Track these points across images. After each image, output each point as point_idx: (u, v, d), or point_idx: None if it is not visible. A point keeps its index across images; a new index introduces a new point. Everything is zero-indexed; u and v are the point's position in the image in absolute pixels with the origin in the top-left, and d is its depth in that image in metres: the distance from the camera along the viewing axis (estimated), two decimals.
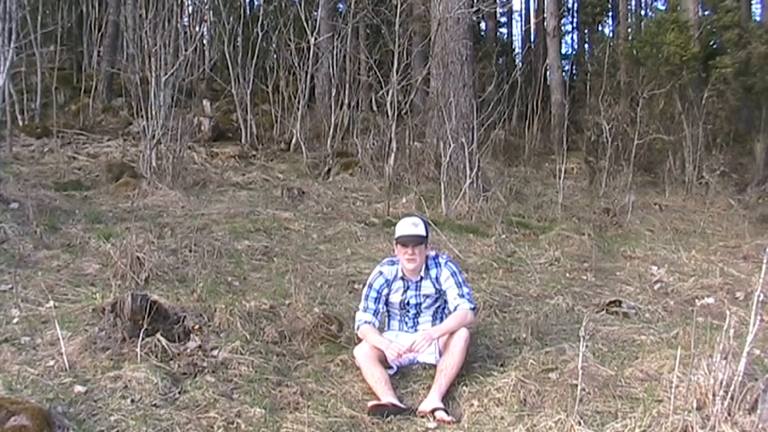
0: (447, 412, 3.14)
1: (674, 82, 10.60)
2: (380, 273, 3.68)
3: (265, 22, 10.64)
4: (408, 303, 3.68)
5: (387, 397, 3.23)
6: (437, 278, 3.64)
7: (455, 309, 3.56)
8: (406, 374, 3.58)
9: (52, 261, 4.76)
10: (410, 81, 8.86)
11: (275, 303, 4.24)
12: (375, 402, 3.21)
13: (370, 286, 3.67)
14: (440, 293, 3.66)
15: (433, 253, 3.72)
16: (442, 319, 3.69)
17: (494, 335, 4.15)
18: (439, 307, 3.72)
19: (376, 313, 3.64)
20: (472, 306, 3.58)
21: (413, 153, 8.60)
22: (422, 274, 3.65)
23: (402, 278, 3.66)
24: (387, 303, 3.71)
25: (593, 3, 16.88)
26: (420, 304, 3.69)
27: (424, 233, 3.58)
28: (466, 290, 3.62)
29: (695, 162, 9.80)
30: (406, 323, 3.75)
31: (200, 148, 9.02)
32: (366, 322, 3.60)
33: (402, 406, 3.20)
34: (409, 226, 3.59)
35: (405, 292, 3.67)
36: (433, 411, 3.14)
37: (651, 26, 12.43)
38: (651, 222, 7.86)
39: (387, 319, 3.83)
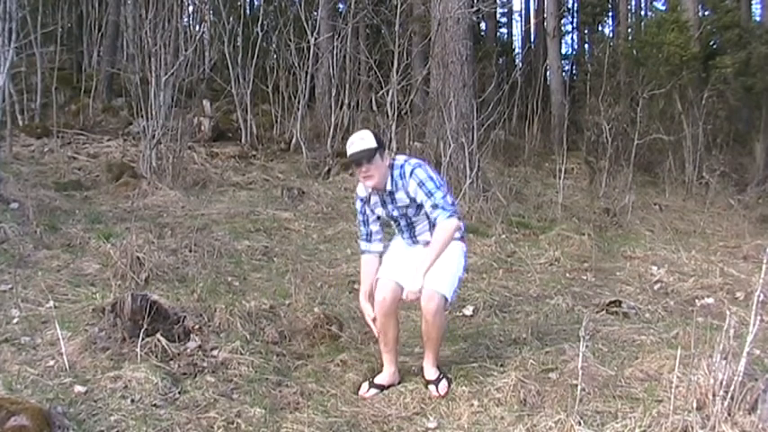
0: (437, 383, 3.36)
1: (674, 82, 10.61)
2: (357, 195, 3.50)
3: (265, 22, 10.64)
4: (393, 217, 3.43)
5: (384, 375, 3.41)
6: (406, 190, 3.32)
7: (434, 224, 3.31)
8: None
9: (52, 261, 4.76)
10: (410, 81, 8.86)
11: (275, 303, 4.25)
12: (371, 383, 3.40)
13: (356, 211, 3.55)
14: (416, 202, 3.34)
15: (399, 161, 3.36)
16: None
17: (494, 335, 4.15)
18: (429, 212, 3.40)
19: (369, 236, 3.48)
20: (448, 213, 3.25)
21: (413, 153, 8.60)
22: (389, 187, 3.32)
23: (376, 192, 3.38)
24: (378, 218, 3.47)
25: (593, 3, 16.87)
26: (405, 215, 3.40)
27: (373, 145, 3.23)
28: (439, 195, 3.26)
29: (695, 162, 9.81)
30: (404, 235, 3.50)
31: (200, 148, 9.01)
32: (363, 251, 3.51)
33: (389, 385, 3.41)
34: (356, 142, 3.25)
35: (383, 205, 3.40)
36: (427, 385, 3.38)
37: (651, 26, 12.45)
38: (651, 222, 7.86)
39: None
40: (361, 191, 3.44)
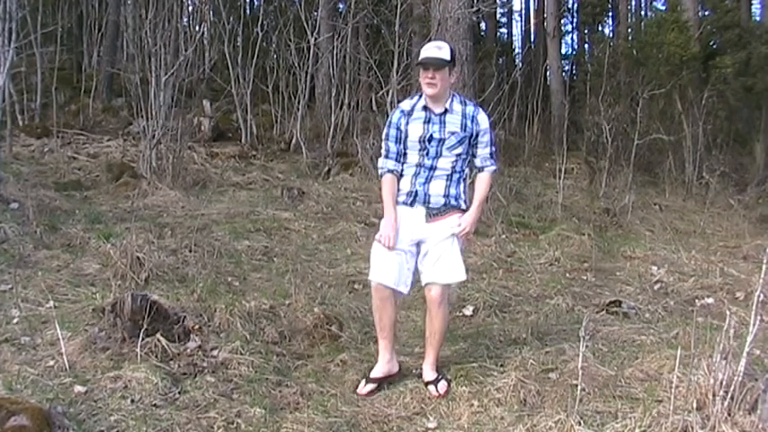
0: (437, 383, 3.36)
1: (674, 82, 10.59)
2: (399, 107, 3.45)
3: (265, 22, 10.63)
4: (431, 138, 3.31)
5: (380, 366, 3.41)
6: (473, 117, 3.35)
7: (481, 169, 3.46)
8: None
9: (52, 261, 4.76)
10: (410, 81, 8.85)
11: (275, 303, 4.24)
12: (367, 379, 3.40)
13: (389, 124, 3.40)
14: (465, 136, 3.34)
15: (471, 106, 3.41)
16: (456, 173, 3.39)
17: (494, 335, 4.15)
18: (460, 156, 3.36)
19: (398, 156, 3.38)
20: (494, 168, 3.49)
21: None
22: (446, 106, 3.32)
23: (425, 108, 3.34)
24: (406, 140, 3.36)
25: (593, 3, 16.84)
26: (443, 141, 3.31)
27: (447, 57, 3.27)
28: (493, 149, 3.46)
29: (695, 162, 9.79)
30: (417, 178, 3.35)
31: (200, 148, 9.00)
32: (389, 170, 3.38)
33: (386, 376, 3.41)
34: (432, 49, 3.31)
35: (426, 123, 3.33)
36: (427, 386, 3.39)
37: (651, 26, 12.44)
38: (651, 222, 7.86)
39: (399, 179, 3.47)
40: (406, 104, 3.43)
